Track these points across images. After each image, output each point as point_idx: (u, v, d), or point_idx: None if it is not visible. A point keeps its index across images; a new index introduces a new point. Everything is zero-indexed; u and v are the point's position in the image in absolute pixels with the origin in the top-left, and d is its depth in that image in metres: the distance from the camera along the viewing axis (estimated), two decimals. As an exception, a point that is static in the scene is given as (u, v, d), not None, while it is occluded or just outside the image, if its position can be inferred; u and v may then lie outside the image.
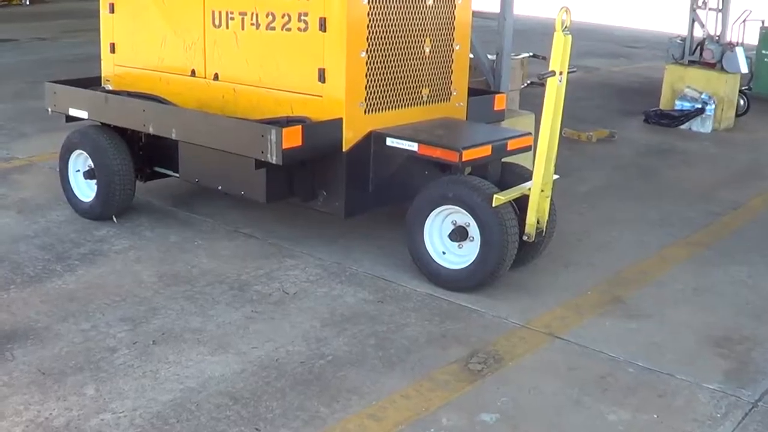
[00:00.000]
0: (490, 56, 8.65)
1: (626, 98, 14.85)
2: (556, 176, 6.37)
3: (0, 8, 27.42)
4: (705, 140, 12.10)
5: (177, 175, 7.35)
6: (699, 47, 13.02)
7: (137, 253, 6.87)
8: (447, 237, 6.27)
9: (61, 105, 7.85)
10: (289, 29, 6.50)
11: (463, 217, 6.14)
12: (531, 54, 10.54)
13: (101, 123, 7.61)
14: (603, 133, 11.65)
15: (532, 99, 8.32)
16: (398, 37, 6.56)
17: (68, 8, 27.65)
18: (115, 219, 7.51)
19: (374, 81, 6.44)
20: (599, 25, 28.44)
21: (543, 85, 6.09)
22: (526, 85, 10.34)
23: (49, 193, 8.27)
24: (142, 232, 7.33)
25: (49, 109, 8.00)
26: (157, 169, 7.67)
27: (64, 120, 7.94)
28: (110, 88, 7.91)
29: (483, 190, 6.04)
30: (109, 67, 7.96)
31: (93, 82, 8.06)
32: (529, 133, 6.83)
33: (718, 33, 13.10)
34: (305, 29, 6.40)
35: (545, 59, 6.83)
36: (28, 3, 28.63)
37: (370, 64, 6.38)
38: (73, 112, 7.70)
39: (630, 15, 32.53)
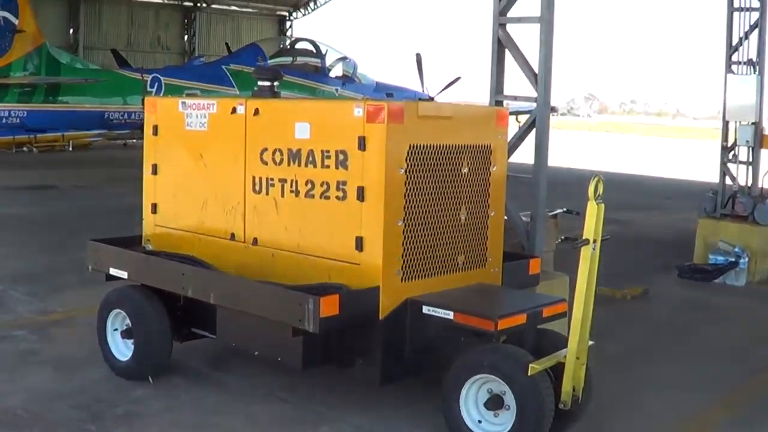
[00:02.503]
0: (524, 217, 8.74)
1: (660, 252, 14.88)
2: (591, 342, 6.35)
3: (43, 153, 28.06)
4: (739, 294, 12.07)
5: (214, 336, 7.41)
6: (731, 200, 13.12)
7: (172, 416, 6.87)
8: (483, 405, 6.24)
9: (101, 264, 7.99)
10: (327, 197, 6.65)
11: (499, 386, 6.13)
12: (564, 209, 10.62)
13: (140, 283, 7.71)
14: (637, 290, 11.65)
15: (566, 255, 8.36)
16: (434, 205, 6.69)
17: (110, 156, 28.32)
18: (151, 379, 7.52)
19: (411, 249, 6.54)
20: (634, 176, 28.81)
21: (577, 241, 6.14)
22: (560, 241, 10.39)
23: (86, 349, 8.29)
24: (178, 394, 7.33)
25: (90, 267, 8.14)
26: (195, 330, 7.72)
27: (104, 279, 8.06)
28: (150, 248, 8.05)
29: (518, 359, 6.05)
30: (150, 227, 8.12)
31: (134, 241, 8.21)
32: (564, 300, 6.86)
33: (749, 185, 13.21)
34: (343, 198, 6.55)
35: (579, 214, 6.91)
36: (71, 149, 29.31)
37: (406, 232, 6.49)
38: (114, 271, 7.81)
39: (664, 166, 32.98)
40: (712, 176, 13.88)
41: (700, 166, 24.87)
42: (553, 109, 10.63)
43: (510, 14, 8.96)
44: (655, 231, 17.66)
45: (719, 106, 13.56)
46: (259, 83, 7.67)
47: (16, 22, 23.03)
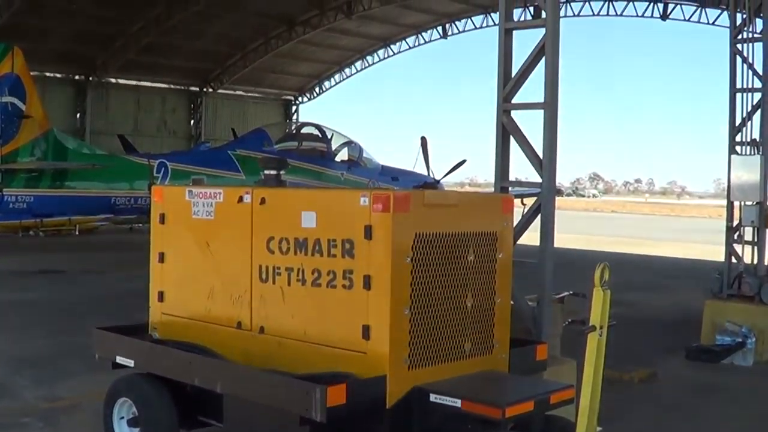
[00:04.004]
0: (530, 302, 8.74)
1: (667, 333, 14.84)
2: (599, 428, 6.32)
3: (49, 237, 28.19)
4: (747, 374, 12.05)
5: (221, 425, 7.37)
6: (737, 280, 13.12)
7: (179, 507, 6.81)
8: (491, 494, 6.20)
9: (108, 352, 8.00)
10: (334, 286, 6.67)
11: (507, 474, 6.09)
12: (571, 292, 10.61)
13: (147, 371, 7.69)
14: (644, 372, 11.59)
15: (573, 337, 8.33)
16: (441, 292, 6.70)
17: (116, 240, 28.43)
18: (157, 469, 7.48)
19: (418, 337, 6.53)
20: (640, 255, 28.83)
21: (584, 323, 6.14)
22: (566, 324, 10.37)
23: (92, 437, 8.29)
24: (182, 484, 7.29)
25: (96, 356, 8.14)
26: (202, 418, 7.67)
27: (111, 367, 8.04)
28: (157, 336, 8.04)
29: (527, 447, 6.02)
30: (157, 315, 8.12)
31: (140, 329, 8.20)
32: (572, 386, 6.83)
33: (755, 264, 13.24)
34: (350, 286, 6.57)
35: (585, 296, 6.91)
36: (77, 233, 29.43)
37: (413, 320, 6.49)
38: (120, 360, 7.81)
39: (669, 245, 33.06)
40: (717, 254, 13.86)
41: (706, 245, 24.89)
42: (559, 192, 10.70)
43: (514, 101, 9.05)
44: (662, 312, 17.64)
45: (723, 185, 13.65)
46: (265, 172, 7.76)
47: (23, 107, 23.27)
